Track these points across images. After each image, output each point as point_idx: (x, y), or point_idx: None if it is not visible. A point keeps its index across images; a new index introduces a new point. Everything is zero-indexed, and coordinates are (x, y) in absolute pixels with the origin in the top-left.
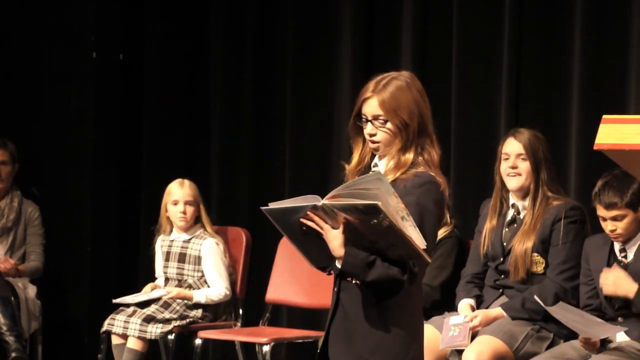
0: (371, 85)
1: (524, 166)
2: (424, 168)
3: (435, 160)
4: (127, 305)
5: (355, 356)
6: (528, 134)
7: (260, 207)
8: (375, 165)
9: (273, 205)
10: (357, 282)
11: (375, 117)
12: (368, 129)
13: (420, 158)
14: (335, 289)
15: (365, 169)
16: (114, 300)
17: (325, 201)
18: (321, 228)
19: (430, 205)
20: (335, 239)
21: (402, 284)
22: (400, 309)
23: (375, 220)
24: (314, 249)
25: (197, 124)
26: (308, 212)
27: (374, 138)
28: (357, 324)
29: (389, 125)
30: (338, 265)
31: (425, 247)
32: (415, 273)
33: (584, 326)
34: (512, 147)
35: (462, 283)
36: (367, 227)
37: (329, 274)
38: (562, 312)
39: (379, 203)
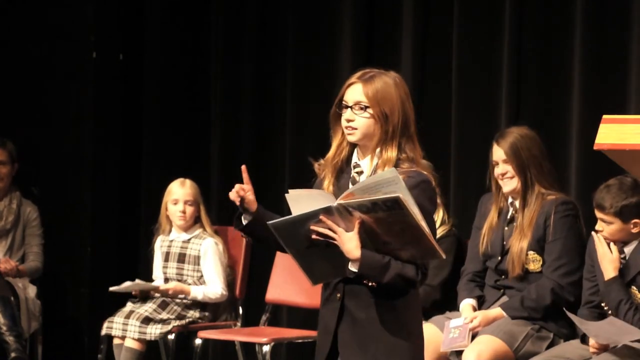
0: (358, 73)
1: (512, 169)
2: (409, 165)
3: (418, 159)
4: (125, 296)
5: (371, 359)
6: (511, 136)
7: (267, 222)
8: (357, 165)
9: (293, 195)
10: (373, 284)
11: (357, 103)
12: (347, 114)
13: (403, 155)
14: (339, 295)
15: (342, 163)
16: (111, 289)
17: (340, 201)
18: (334, 232)
19: (427, 204)
20: (350, 240)
21: (415, 284)
22: (406, 309)
23: (393, 216)
24: (317, 263)
25: (197, 124)
26: (321, 217)
27: (351, 124)
28: (368, 329)
29: (369, 111)
30: (353, 268)
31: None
32: (426, 273)
33: (613, 335)
34: (498, 154)
35: (464, 282)
36: (383, 226)
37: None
38: (604, 328)
39: (400, 195)
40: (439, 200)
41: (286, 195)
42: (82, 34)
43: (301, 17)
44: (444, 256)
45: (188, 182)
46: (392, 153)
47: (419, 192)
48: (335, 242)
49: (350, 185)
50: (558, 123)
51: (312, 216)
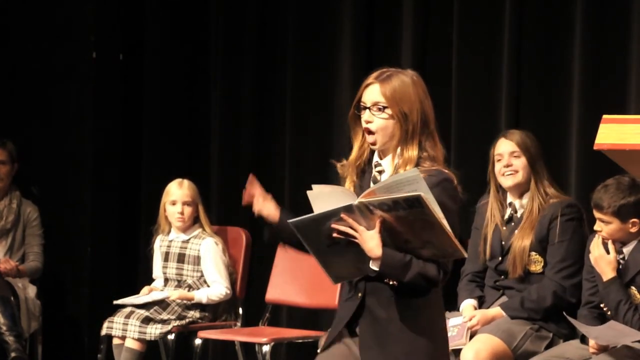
0: (375, 73)
1: (519, 163)
2: (430, 164)
3: (439, 157)
4: (125, 307)
5: (390, 359)
6: (519, 133)
7: (288, 221)
8: (378, 164)
9: (314, 192)
10: (395, 283)
11: (375, 104)
12: (366, 116)
13: (424, 154)
14: (360, 294)
15: (364, 164)
16: (116, 302)
17: (361, 199)
18: (355, 230)
19: (449, 203)
20: (371, 239)
21: (437, 283)
22: (428, 308)
23: (415, 214)
24: (337, 261)
25: (197, 124)
26: (342, 216)
27: (370, 126)
28: (389, 327)
29: (388, 112)
30: (374, 267)
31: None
32: (448, 271)
33: (613, 337)
34: (504, 147)
35: (464, 282)
36: (404, 224)
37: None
38: (604, 332)
39: (422, 194)
40: None
41: (308, 192)
42: (82, 34)
43: (301, 17)
44: (465, 255)
45: (186, 182)
46: (413, 152)
47: (440, 191)
48: (356, 240)
49: (372, 185)
50: (558, 123)
51: (333, 214)
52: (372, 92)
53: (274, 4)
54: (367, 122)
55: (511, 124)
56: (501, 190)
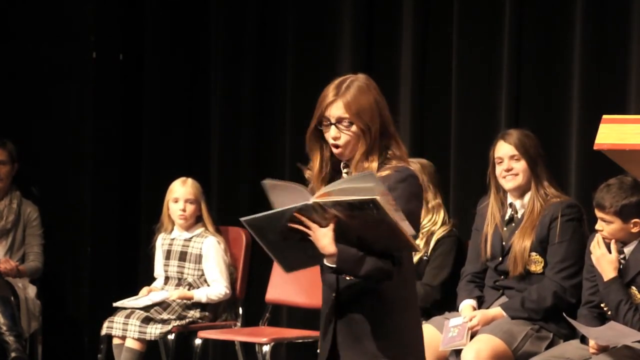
0: (332, 89)
1: (520, 166)
2: (396, 162)
3: (404, 156)
4: (125, 296)
5: (369, 356)
6: (517, 133)
7: (240, 219)
8: (346, 165)
9: (271, 183)
10: (350, 278)
11: (340, 120)
12: (332, 132)
13: (390, 153)
14: (333, 295)
15: (330, 174)
16: (115, 304)
17: (316, 199)
18: (308, 228)
19: (413, 197)
20: (325, 236)
21: (391, 275)
22: (402, 302)
23: (369, 215)
24: (291, 253)
25: (197, 124)
26: (295, 214)
27: (337, 142)
28: (364, 325)
29: (353, 128)
30: (328, 263)
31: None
32: (401, 263)
33: (615, 338)
34: (504, 150)
35: (463, 282)
36: (358, 222)
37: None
38: (604, 333)
39: (378, 197)
40: (439, 201)
41: (263, 182)
42: (82, 34)
43: (301, 17)
44: (419, 249)
45: (189, 181)
46: (373, 164)
47: (406, 186)
48: (310, 237)
49: None
50: (558, 123)
51: (287, 212)
52: (336, 109)
53: (274, 4)
54: (335, 138)
55: (511, 124)
56: (501, 191)
